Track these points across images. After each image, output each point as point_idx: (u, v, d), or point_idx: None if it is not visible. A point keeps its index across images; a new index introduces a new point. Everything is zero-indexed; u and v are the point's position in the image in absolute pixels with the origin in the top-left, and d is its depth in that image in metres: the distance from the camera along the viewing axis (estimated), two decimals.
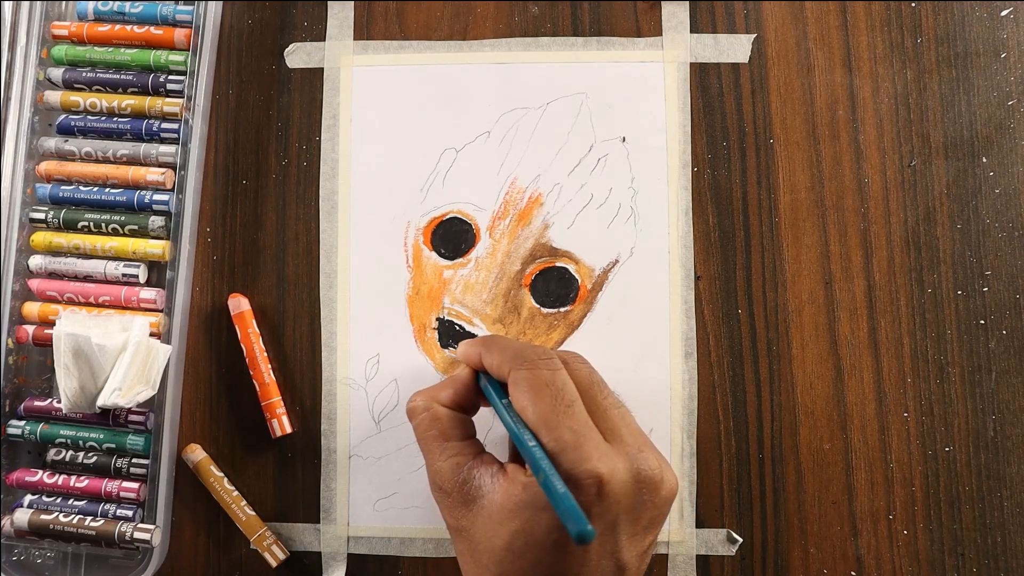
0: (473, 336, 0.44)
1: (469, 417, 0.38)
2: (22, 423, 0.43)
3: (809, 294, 0.44)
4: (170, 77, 0.45)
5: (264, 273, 0.45)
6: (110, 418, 0.43)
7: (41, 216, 0.44)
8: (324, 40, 0.46)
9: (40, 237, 0.45)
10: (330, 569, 0.44)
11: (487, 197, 0.45)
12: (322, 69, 0.46)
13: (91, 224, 0.44)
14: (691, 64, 0.45)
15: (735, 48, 0.45)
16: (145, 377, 0.42)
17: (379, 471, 0.44)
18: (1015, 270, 0.44)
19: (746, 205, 0.44)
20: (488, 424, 0.44)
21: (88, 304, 0.44)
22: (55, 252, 0.45)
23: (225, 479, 0.44)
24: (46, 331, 0.43)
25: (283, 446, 0.45)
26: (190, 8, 0.45)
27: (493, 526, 0.34)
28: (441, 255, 0.45)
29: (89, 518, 0.42)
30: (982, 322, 0.43)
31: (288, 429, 0.44)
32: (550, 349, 0.38)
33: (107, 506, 0.43)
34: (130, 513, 0.43)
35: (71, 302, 0.44)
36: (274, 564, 0.43)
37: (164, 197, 0.44)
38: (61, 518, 0.42)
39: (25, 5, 0.45)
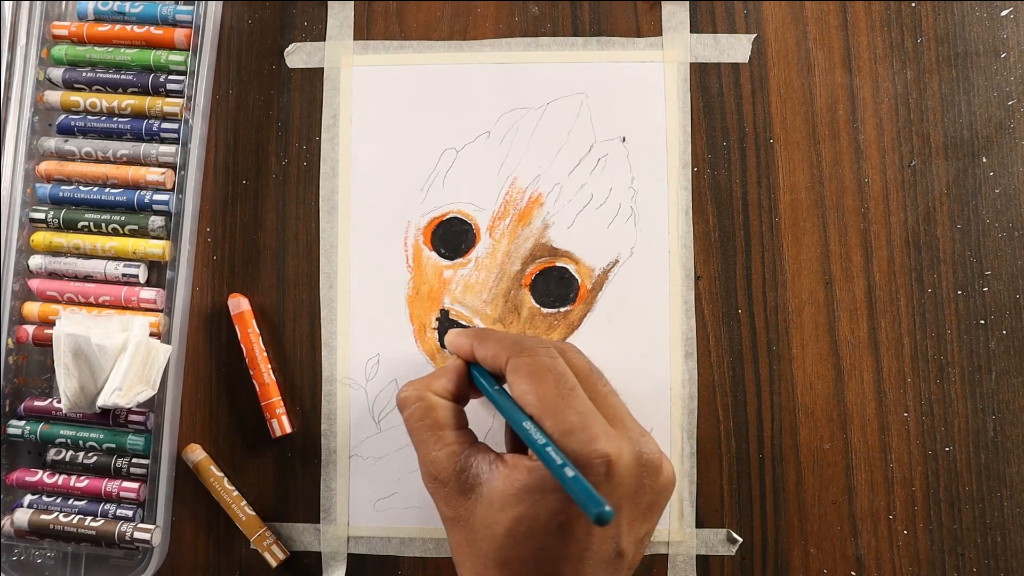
0: None
1: (461, 407, 0.38)
2: (22, 423, 0.43)
3: (809, 294, 0.44)
4: (170, 77, 0.45)
5: (264, 273, 0.45)
6: (110, 418, 0.43)
7: (41, 216, 0.44)
8: (324, 40, 0.46)
9: (40, 237, 0.45)
10: (330, 569, 0.44)
11: (487, 197, 0.45)
12: (322, 69, 0.46)
13: (91, 224, 0.44)
14: (691, 64, 0.45)
15: (735, 48, 0.45)
16: (145, 377, 0.42)
17: (379, 471, 0.44)
18: (1015, 270, 0.44)
19: (746, 205, 0.44)
20: (487, 426, 0.44)
21: (88, 304, 0.44)
22: (55, 252, 0.45)
23: (225, 479, 0.44)
24: (46, 331, 0.43)
25: (283, 446, 0.45)
26: (190, 8, 0.45)
27: (494, 513, 0.34)
28: (441, 255, 0.45)
29: (89, 518, 0.42)
30: (982, 322, 0.43)
31: (288, 429, 0.44)
32: (546, 339, 0.38)
33: (107, 506, 0.43)
34: (130, 513, 0.43)
35: (71, 302, 0.44)
36: (274, 564, 0.43)
37: (164, 197, 0.44)
38: (61, 518, 0.42)
39: (25, 5, 0.45)
